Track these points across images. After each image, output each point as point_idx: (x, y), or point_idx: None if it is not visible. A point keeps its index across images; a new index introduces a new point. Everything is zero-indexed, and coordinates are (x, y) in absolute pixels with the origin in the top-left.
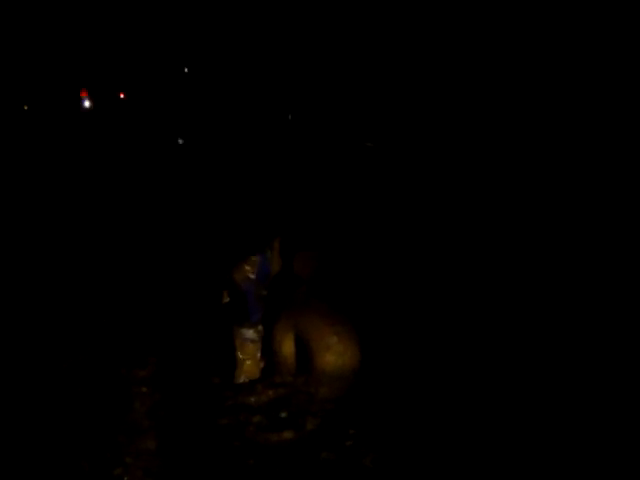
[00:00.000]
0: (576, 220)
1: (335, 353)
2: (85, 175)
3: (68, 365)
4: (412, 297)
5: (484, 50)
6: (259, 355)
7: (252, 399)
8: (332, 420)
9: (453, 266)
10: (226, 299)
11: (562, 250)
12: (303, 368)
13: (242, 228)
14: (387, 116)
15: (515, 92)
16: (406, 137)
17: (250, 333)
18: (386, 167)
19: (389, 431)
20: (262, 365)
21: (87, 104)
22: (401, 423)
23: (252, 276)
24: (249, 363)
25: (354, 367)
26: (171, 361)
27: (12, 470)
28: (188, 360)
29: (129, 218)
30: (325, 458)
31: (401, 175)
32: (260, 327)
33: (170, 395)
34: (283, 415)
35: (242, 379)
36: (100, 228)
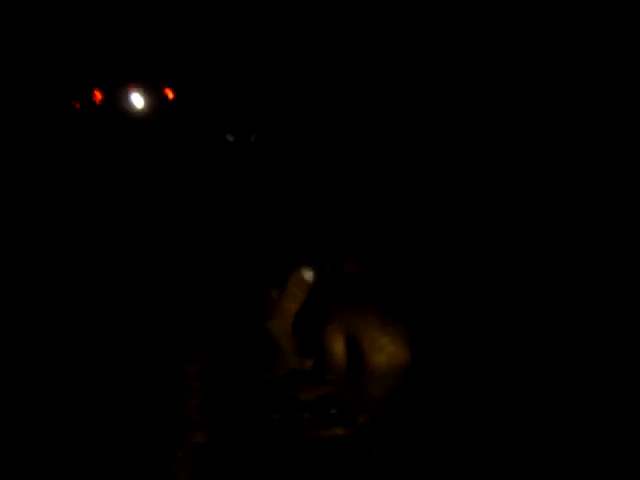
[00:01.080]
0: (576, 220)
1: (387, 354)
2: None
3: (119, 360)
4: (461, 297)
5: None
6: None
7: (303, 396)
8: (383, 417)
9: (498, 266)
10: None
11: (562, 251)
12: (353, 368)
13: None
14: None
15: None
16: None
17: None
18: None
19: (441, 429)
20: (310, 364)
21: (139, 103)
22: (452, 422)
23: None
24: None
25: (405, 366)
26: (222, 356)
27: (66, 463)
28: (239, 355)
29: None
30: (376, 456)
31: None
32: None
33: (221, 390)
34: (333, 412)
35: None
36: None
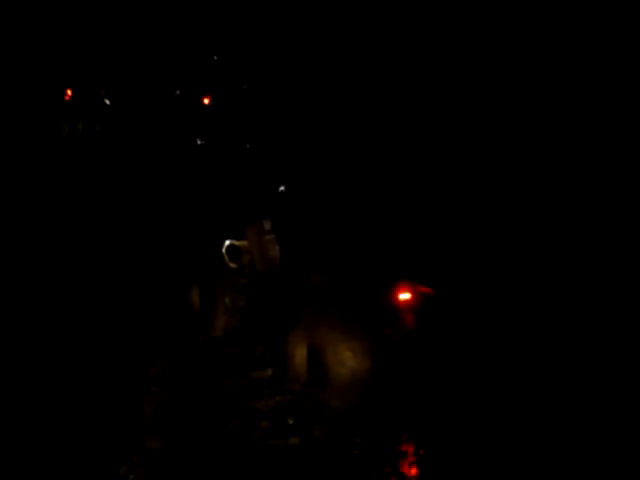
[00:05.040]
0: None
1: (348, 368)
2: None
3: (80, 360)
4: (422, 312)
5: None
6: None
7: (261, 404)
8: (340, 429)
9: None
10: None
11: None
12: (313, 378)
13: None
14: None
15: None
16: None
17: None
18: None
19: (397, 442)
20: (270, 372)
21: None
22: (409, 434)
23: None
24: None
25: (365, 380)
26: (182, 361)
27: (18, 467)
28: (200, 361)
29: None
30: (330, 467)
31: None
32: None
33: (179, 395)
34: (290, 422)
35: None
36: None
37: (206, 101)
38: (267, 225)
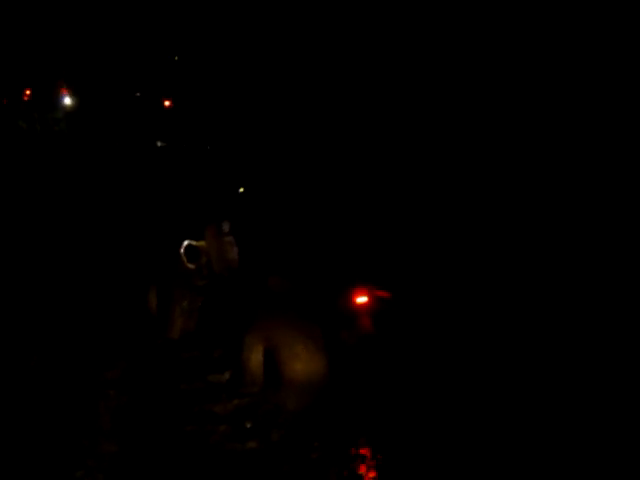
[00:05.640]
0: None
1: (303, 361)
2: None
3: (36, 362)
4: (382, 309)
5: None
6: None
7: (219, 408)
8: (298, 432)
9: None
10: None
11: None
12: (270, 379)
13: None
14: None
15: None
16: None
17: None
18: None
19: (355, 445)
20: (227, 376)
21: (67, 101)
22: (368, 437)
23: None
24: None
25: (322, 377)
26: (140, 365)
27: None
28: (157, 364)
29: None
30: (288, 470)
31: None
32: None
33: (137, 399)
34: (248, 425)
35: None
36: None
37: (167, 103)
38: (226, 227)
